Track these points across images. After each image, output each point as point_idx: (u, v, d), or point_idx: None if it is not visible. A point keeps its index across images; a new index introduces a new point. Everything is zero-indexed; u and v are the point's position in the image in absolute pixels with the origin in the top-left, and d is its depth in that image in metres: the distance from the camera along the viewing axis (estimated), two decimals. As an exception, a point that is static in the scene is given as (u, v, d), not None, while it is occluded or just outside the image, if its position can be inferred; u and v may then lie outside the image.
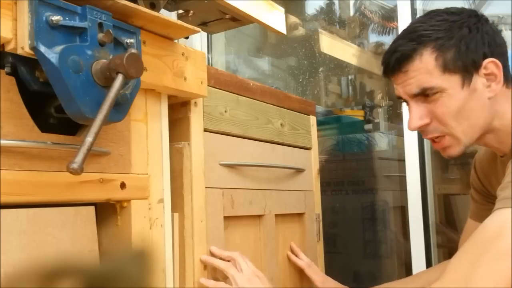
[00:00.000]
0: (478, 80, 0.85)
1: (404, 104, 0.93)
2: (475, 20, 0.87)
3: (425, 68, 0.85)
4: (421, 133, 0.92)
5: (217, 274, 0.94)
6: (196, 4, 1.02)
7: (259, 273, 0.92)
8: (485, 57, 0.85)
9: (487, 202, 1.04)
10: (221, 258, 0.93)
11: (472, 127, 0.87)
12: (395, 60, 0.88)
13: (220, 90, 1.00)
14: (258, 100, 1.11)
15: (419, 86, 0.86)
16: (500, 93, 0.87)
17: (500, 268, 0.71)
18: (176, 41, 0.83)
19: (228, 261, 0.93)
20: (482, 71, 0.85)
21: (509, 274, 0.70)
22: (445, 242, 1.65)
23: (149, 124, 0.82)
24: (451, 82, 0.85)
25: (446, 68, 0.84)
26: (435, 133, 0.89)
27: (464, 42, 0.85)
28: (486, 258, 0.72)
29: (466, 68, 0.84)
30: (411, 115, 0.89)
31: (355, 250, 1.90)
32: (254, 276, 0.91)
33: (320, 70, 2.38)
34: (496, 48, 0.87)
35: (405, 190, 1.54)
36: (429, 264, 1.49)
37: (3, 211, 0.60)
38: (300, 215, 1.24)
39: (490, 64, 0.85)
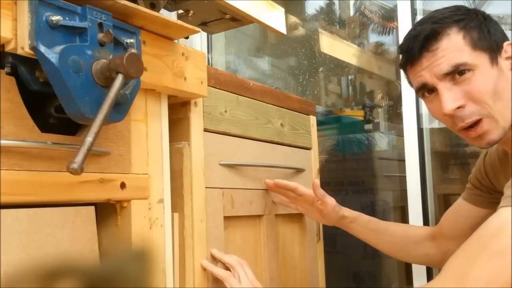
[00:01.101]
0: (502, 62, 0.86)
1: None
2: (483, 13, 0.89)
3: (454, 46, 0.84)
4: (453, 123, 0.86)
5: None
6: (196, 4, 1.02)
7: (256, 283, 0.92)
8: (503, 41, 0.86)
9: (486, 190, 1.04)
10: (221, 262, 0.94)
11: (507, 108, 0.83)
12: (423, 39, 0.85)
13: (220, 90, 1.00)
14: (258, 100, 1.11)
15: (450, 64, 0.83)
16: None
17: (496, 266, 0.71)
18: (176, 41, 0.83)
19: (228, 268, 0.93)
20: (503, 54, 0.86)
21: (505, 273, 0.70)
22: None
23: (149, 124, 0.82)
24: (481, 60, 0.84)
25: (476, 46, 0.84)
26: (473, 117, 0.83)
27: (484, 25, 0.85)
28: (483, 257, 0.72)
29: (492, 49, 0.84)
30: (443, 98, 0.84)
31: (355, 250, 1.90)
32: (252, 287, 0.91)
33: (320, 70, 2.38)
34: (507, 38, 0.88)
35: (405, 190, 1.54)
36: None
37: (3, 211, 0.60)
38: (300, 215, 1.24)
39: (510, 47, 0.86)
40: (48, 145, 0.65)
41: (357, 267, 1.93)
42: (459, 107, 0.83)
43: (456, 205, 1.11)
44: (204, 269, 0.91)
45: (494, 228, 0.74)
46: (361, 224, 1.15)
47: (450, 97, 0.83)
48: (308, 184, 1.28)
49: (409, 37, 0.88)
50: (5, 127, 0.61)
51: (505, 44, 0.86)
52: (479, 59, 0.83)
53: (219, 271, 0.91)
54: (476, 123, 0.84)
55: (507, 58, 0.86)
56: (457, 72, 0.83)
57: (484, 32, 0.85)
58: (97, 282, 0.50)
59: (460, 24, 0.85)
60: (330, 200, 1.12)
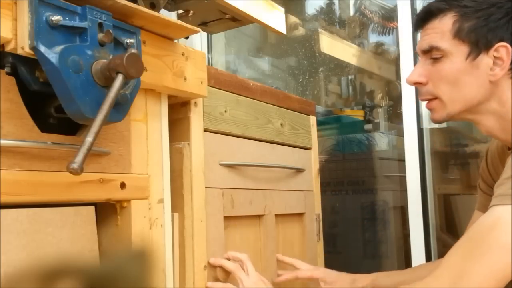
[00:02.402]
0: (484, 60, 0.86)
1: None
2: (510, 5, 0.87)
3: (440, 28, 0.88)
4: (419, 93, 0.96)
5: (217, 275, 0.94)
6: (196, 4, 1.02)
7: (264, 279, 0.94)
8: (501, 41, 0.86)
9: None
10: (220, 266, 0.94)
11: (460, 99, 0.88)
12: (421, 14, 0.92)
13: (220, 90, 1.00)
14: (258, 100, 1.11)
15: (428, 44, 0.89)
16: (504, 80, 0.87)
17: (490, 262, 0.73)
18: (176, 41, 0.83)
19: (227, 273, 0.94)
20: (492, 52, 0.86)
21: (499, 268, 0.72)
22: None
23: (149, 124, 0.82)
24: (458, 50, 0.87)
25: (458, 35, 0.86)
26: (427, 95, 0.91)
27: (485, 19, 0.86)
28: (477, 253, 0.74)
29: (477, 43, 0.86)
30: (414, 70, 0.92)
31: (355, 250, 1.90)
32: (260, 280, 0.93)
33: (320, 70, 2.38)
34: None
35: (405, 190, 1.54)
36: (429, 264, 1.49)
37: (3, 211, 0.60)
38: (300, 215, 1.24)
39: (502, 49, 0.86)
40: (48, 145, 0.65)
41: (357, 267, 1.93)
42: (420, 83, 0.91)
43: (473, 219, 1.11)
44: (204, 268, 0.91)
45: (487, 226, 0.76)
46: (383, 282, 1.12)
47: (417, 71, 0.91)
48: (309, 183, 1.28)
49: (422, 8, 0.94)
50: (5, 127, 0.61)
51: (499, 44, 0.85)
52: (456, 48, 0.87)
53: (228, 264, 0.94)
54: (430, 100, 0.92)
55: (495, 57, 0.86)
56: (432, 54, 0.89)
57: (479, 25, 0.85)
58: (97, 282, 0.50)
59: (463, 9, 0.87)
60: (318, 273, 1.12)
